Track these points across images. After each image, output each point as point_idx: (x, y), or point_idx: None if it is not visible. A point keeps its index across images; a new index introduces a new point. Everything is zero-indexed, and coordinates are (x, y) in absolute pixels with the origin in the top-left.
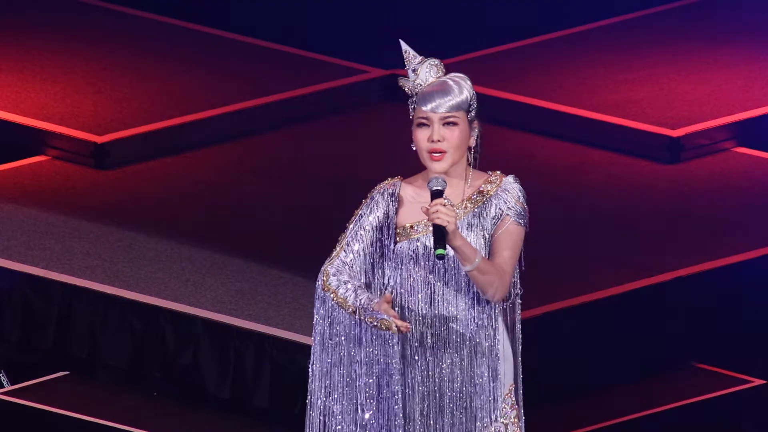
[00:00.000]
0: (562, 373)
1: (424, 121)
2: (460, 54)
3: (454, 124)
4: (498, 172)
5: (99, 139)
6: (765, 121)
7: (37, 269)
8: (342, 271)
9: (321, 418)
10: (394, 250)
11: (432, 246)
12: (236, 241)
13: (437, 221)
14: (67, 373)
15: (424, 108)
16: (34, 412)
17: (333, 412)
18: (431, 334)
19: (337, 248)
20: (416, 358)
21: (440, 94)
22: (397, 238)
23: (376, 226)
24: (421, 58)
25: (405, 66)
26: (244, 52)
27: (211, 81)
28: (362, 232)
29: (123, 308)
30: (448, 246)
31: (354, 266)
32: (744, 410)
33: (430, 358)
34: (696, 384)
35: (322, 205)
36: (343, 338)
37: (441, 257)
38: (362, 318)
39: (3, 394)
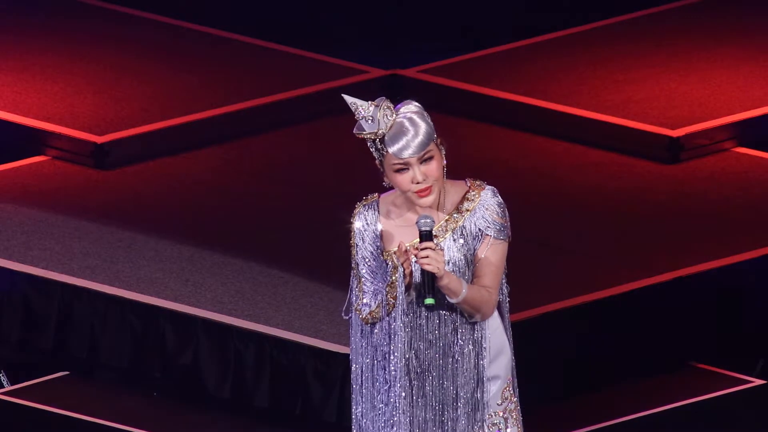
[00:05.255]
0: (562, 373)
1: (401, 166)
2: (460, 54)
3: (431, 158)
4: (477, 184)
5: (99, 139)
6: (765, 121)
7: (37, 269)
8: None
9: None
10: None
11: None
12: (236, 241)
13: (427, 267)
14: (67, 373)
15: (399, 155)
16: (34, 412)
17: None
18: (416, 357)
19: (354, 287)
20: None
21: (408, 136)
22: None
23: (376, 250)
24: (369, 103)
25: (357, 117)
26: (244, 52)
27: (211, 81)
28: (368, 253)
29: (123, 308)
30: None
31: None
32: (744, 410)
33: (416, 382)
34: (696, 384)
35: (322, 206)
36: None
37: (430, 308)
38: (391, 288)
39: (3, 394)
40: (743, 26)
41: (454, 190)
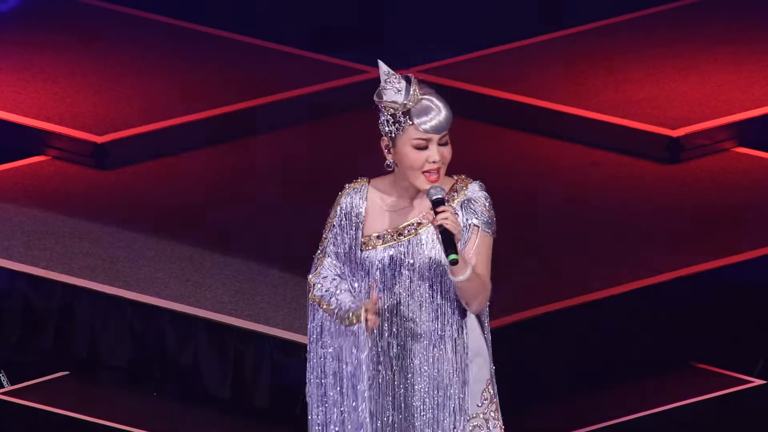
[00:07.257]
0: (562, 373)
1: (422, 143)
2: (460, 54)
3: (447, 143)
4: (463, 178)
5: (99, 139)
6: (765, 121)
7: (37, 269)
8: (327, 279)
9: (318, 428)
10: (360, 259)
11: (442, 250)
12: (236, 241)
13: (448, 226)
14: (67, 373)
15: (425, 127)
16: (34, 412)
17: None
18: (396, 344)
19: (319, 256)
20: (380, 368)
21: (437, 114)
22: (363, 247)
23: (349, 241)
24: (399, 75)
25: (385, 85)
26: (244, 52)
27: (211, 81)
28: (339, 240)
29: (123, 308)
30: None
31: (338, 270)
32: (744, 410)
33: (396, 368)
34: (696, 384)
35: (322, 206)
36: (330, 350)
37: (455, 262)
38: (337, 317)
39: (3, 394)
40: (743, 26)
41: (443, 183)
